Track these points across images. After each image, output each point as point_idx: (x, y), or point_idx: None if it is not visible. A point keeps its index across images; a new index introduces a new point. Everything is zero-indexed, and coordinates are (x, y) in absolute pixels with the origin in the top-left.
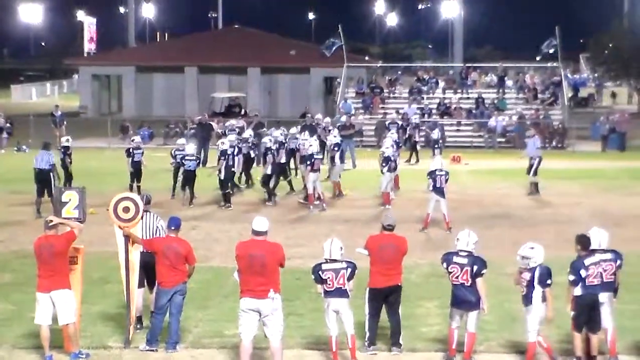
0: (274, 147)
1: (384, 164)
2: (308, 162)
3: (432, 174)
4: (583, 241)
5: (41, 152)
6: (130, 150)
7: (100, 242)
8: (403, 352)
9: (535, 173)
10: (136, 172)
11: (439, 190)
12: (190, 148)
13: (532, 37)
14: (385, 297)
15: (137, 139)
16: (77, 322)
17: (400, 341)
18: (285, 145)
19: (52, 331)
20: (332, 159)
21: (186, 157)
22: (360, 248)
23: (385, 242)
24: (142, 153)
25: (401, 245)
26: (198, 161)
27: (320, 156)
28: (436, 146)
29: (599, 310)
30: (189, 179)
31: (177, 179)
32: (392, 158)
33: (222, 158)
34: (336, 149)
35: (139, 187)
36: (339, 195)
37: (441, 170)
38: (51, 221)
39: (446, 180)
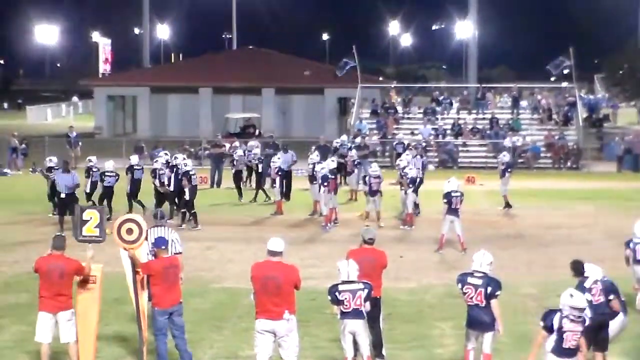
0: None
1: (410, 185)
2: (323, 184)
3: (447, 196)
4: (576, 267)
5: (61, 175)
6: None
7: (116, 262)
8: None
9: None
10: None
11: (454, 212)
12: (110, 164)
13: (546, 58)
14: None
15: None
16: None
17: (384, 352)
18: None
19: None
20: (350, 173)
21: (106, 173)
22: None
23: (364, 255)
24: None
25: (380, 258)
26: (117, 177)
27: (332, 176)
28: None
29: (607, 329)
30: (109, 195)
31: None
32: (418, 178)
33: (186, 178)
34: (356, 163)
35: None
36: (352, 199)
37: (456, 191)
38: (61, 237)
39: (461, 202)
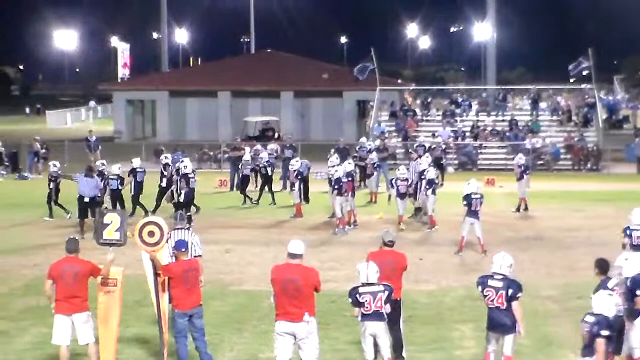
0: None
1: (427, 186)
2: (336, 187)
3: (467, 198)
4: (601, 265)
5: (85, 179)
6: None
7: (137, 265)
8: None
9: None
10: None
11: (474, 214)
12: (115, 168)
13: (564, 59)
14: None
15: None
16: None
17: (404, 354)
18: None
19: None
20: (369, 175)
21: (110, 177)
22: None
23: (384, 258)
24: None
25: (400, 261)
26: (120, 181)
27: (347, 179)
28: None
29: (623, 331)
30: (116, 198)
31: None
32: (436, 180)
33: (184, 180)
34: (375, 166)
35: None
36: (372, 202)
37: (476, 193)
38: (74, 240)
39: (480, 204)
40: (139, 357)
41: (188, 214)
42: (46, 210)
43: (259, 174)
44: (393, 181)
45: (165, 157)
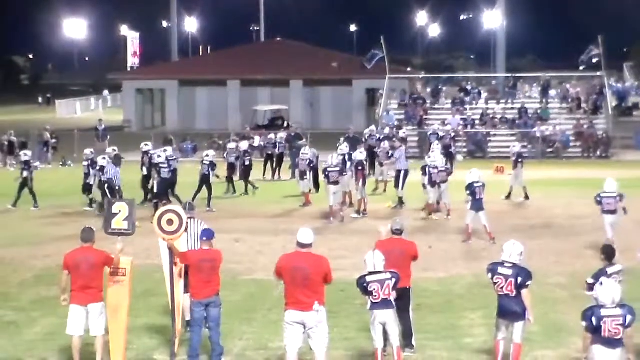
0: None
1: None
2: (324, 175)
3: (470, 187)
4: (607, 251)
5: (114, 167)
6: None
7: (144, 255)
8: (416, 352)
9: (403, 186)
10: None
11: (478, 202)
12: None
13: (574, 47)
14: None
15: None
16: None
17: (413, 342)
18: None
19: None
20: (381, 164)
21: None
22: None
23: (393, 246)
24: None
25: (408, 249)
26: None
27: (337, 169)
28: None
29: None
30: (106, 187)
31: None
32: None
33: (155, 170)
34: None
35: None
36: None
37: (478, 182)
38: (89, 230)
39: (482, 192)
40: (149, 347)
41: (155, 201)
42: (79, 199)
43: (269, 162)
44: (426, 168)
45: (146, 145)
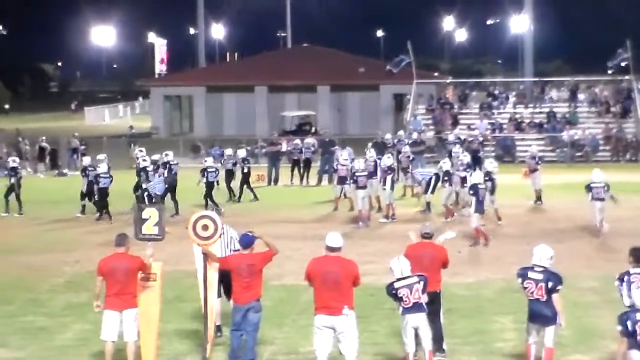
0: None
1: (445, 178)
2: (352, 180)
3: (473, 188)
4: (636, 254)
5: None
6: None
7: (174, 261)
8: (447, 357)
9: (433, 191)
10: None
11: (481, 204)
12: (104, 167)
13: (602, 51)
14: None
15: (210, 160)
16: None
17: (444, 347)
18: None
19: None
20: (405, 170)
21: (100, 175)
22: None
23: (423, 250)
24: (217, 173)
25: (439, 254)
26: (111, 179)
27: (365, 173)
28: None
29: None
30: (104, 196)
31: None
32: (452, 172)
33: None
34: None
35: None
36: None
37: (482, 184)
38: (124, 236)
39: (484, 194)
40: (180, 352)
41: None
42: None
43: (296, 167)
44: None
45: (166, 155)
